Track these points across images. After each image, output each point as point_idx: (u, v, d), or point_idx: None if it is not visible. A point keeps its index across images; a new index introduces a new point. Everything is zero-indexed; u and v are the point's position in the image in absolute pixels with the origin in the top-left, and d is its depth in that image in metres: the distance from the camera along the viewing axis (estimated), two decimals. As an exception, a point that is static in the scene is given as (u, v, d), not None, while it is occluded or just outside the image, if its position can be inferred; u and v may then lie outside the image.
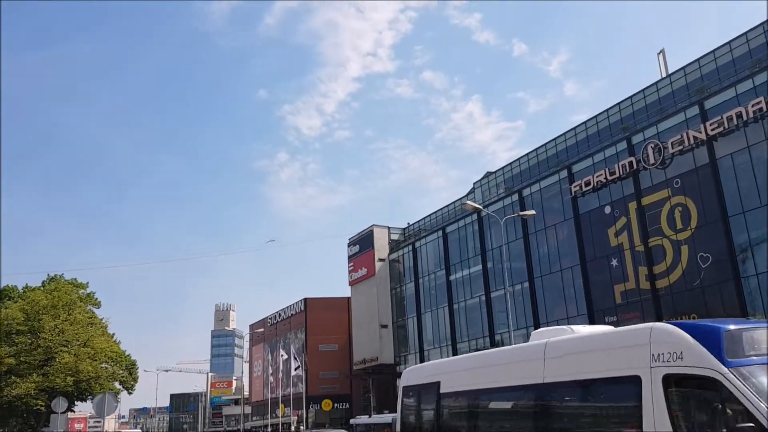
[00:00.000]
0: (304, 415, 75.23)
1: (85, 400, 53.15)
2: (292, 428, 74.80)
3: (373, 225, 74.98)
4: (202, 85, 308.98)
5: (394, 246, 73.71)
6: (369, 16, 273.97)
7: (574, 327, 10.53)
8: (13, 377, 44.74)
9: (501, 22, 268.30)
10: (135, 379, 54.70)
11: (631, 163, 43.19)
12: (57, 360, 46.51)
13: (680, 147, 39.98)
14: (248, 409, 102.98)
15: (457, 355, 60.24)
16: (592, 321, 43.48)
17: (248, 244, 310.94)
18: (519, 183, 55.98)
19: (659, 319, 29.38)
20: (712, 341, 7.76)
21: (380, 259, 73.36)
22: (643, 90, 46.79)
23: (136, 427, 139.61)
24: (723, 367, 7.50)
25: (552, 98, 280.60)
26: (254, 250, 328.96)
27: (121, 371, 52.80)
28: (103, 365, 50.16)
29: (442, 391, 12.32)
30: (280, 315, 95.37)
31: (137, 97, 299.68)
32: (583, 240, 47.09)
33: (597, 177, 45.67)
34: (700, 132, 38.78)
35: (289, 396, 70.08)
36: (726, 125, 37.37)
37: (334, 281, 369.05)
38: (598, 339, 9.34)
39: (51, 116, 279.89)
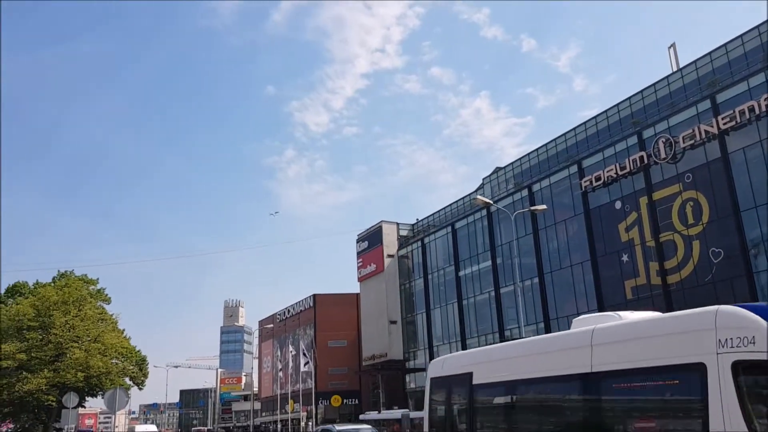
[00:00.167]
0: (314, 411, 75.30)
1: (96, 396, 53.34)
2: (302, 424, 74.91)
3: (381, 221, 74.91)
4: (209, 82, 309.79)
5: (402, 242, 73.62)
6: (377, 12, 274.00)
7: (621, 313, 9.68)
8: (24, 373, 44.87)
9: (509, 18, 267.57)
10: (145, 375, 54.82)
11: (642, 157, 42.92)
12: (68, 356, 46.66)
13: (692, 141, 39.69)
14: (257, 405, 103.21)
15: (465, 350, 60.18)
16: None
17: (257, 240, 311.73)
18: (528, 178, 55.75)
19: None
20: None
21: (389, 255, 73.30)
22: (653, 84, 46.46)
23: (145, 422, 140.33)
24: None
25: (561, 94, 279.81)
26: (263, 246, 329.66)
27: (131, 367, 52.92)
28: (113, 361, 50.25)
29: (475, 382, 11.49)
30: (289, 311, 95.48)
31: (145, 94, 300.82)
32: (594, 235, 46.86)
33: (607, 172, 45.41)
34: (712, 126, 38.48)
35: (299, 392, 70.14)
36: (738, 119, 37.05)
37: (342, 278, 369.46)
38: (655, 324, 8.57)
39: (59, 114, 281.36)
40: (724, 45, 41.87)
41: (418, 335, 68.63)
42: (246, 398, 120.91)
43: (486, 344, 57.95)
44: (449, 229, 64.39)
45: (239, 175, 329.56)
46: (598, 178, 46.27)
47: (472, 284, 60.41)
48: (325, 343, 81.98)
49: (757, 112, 36.11)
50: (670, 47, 49.00)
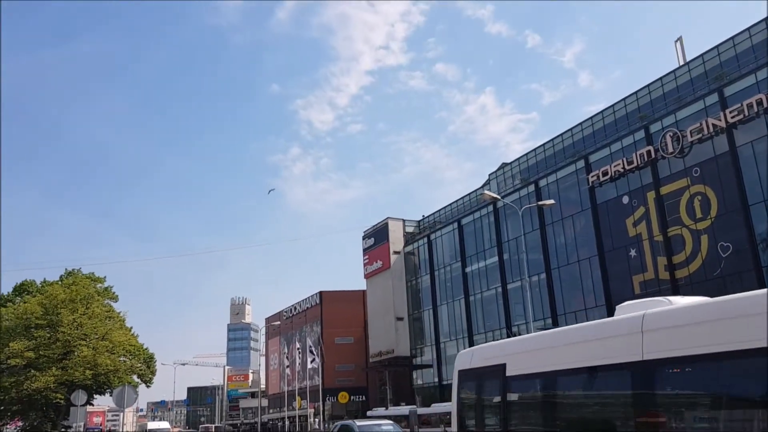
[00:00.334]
0: (321, 408, 75.37)
1: (104, 394, 53.44)
2: (309, 420, 74.97)
3: (387, 218, 74.86)
4: (214, 81, 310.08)
5: (409, 238, 73.56)
6: (381, 8, 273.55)
7: (671, 298, 9.05)
8: (32, 371, 44.99)
9: (514, 14, 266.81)
10: (153, 372, 54.92)
11: (649, 152, 42.72)
12: (76, 353, 46.78)
13: (699, 135, 39.48)
14: (265, 402, 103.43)
15: (472, 346, 60.10)
16: (610, 312, 43.02)
17: (262, 238, 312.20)
18: (535, 174, 55.60)
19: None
20: None
21: (395, 252, 73.26)
22: (660, 78, 46.24)
23: (153, 419, 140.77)
24: None
25: (566, 89, 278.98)
26: (268, 244, 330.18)
27: (139, 364, 53.00)
28: (121, 358, 50.35)
29: (508, 374, 10.65)
30: (295, 308, 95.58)
31: (149, 93, 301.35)
32: (601, 230, 46.71)
33: (615, 167, 45.23)
34: (720, 120, 38.27)
35: (306, 389, 70.21)
36: (746, 113, 36.83)
37: (348, 275, 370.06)
38: (721, 306, 7.75)
39: (63, 114, 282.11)
40: (732, 38, 41.62)
41: (424, 332, 68.60)
42: (253, 395, 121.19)
43: (494, 340, 58.04)
44: (455, 225, 64.29)
45: (244, 173, 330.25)
46: (605, 173, 46.09)
47: (478, 280, 60.32)
48: (332, 339, 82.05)
49: (765, 105, 35.87)
50: (676, 41, 48.73)
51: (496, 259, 57.69)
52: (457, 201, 68.65)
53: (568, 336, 9.80)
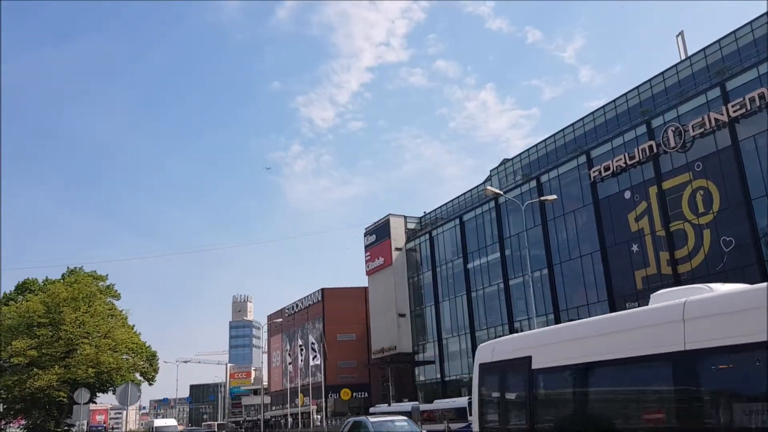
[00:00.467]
0: (323, 405, 75.42)
1: (107, 392, 53.47)
2: (312, 417, 75.03)
3: (389, 214, 74.81)
4: (215, 79, 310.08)
5: (410, 235, 73.51)
6: (381, 5, 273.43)
7: (712, 285, 8.55)
8: (35, 369, 44.98)
9: (514, 10, 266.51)
10: (155, 370, 54.87)
11: (651, 147, 42.64)
12: (78, 352, 46.78)
13: (701, 130, 39.40)
14: (267, 399, 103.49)
15: (474, 342, 60.07)
16: (612, 307, 43.17)
17: (264, 236, 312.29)
18: (536, 170, 55.53)
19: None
20: None
21: (397, 249, 73.23)
22: (662, 73, 46.14)
23: (156, 417, 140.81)
24: None
25: (566, 85, 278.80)
26: (270, 241, 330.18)
27: (141, 362, 52.97)
28: (123, 356, 50.35)
29: (534, 367, 10.07)
30: (297, 305, 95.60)
31: (150, 92, 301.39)
32: (603, 226, 46.65)
33: (616, 162, 45.16)
34: (722, 114, 38.18)
35: (308, 385, 70.26)
36: (748, 107, 36.75)
37: (350, 272, 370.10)
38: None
39: (66, 113, 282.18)
40: (733, 32, 41.52)
41: (426, 328, 68.60)
42: (256, 392, 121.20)
43: (496, 337, 57.95)
44: (457, 221, 64.23)
45: (245, 171, 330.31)
46: (606, 168, 46.02)
47: (480, 276, 60.30)
48: (334, 336, 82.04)
49: (767, 99, 35.81)
50: (678, 35, 48.64)
51: (497, 255, 57.64)
52: (458, 197, 68.58)
53: (600, 326, 9.24)
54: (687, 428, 7.46)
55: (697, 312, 7.56)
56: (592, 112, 52.02)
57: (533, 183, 53.63)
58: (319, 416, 76.22)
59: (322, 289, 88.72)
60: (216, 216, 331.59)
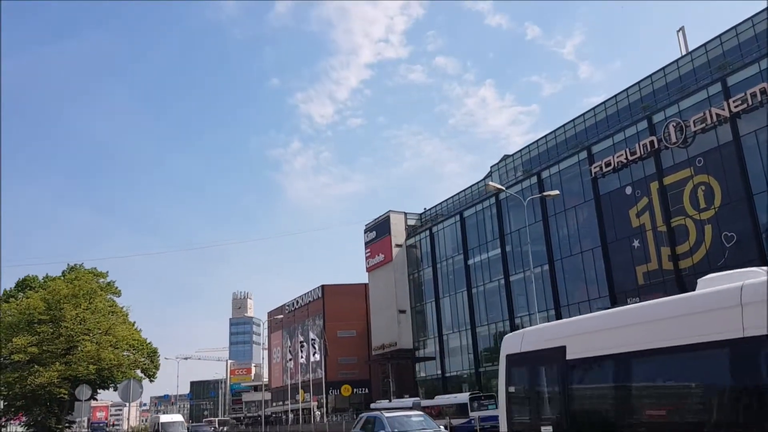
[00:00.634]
0: (324, 401, 75.47)
1: (108, 388, 53.49)
2: (315, 412, 75.11)
3: (389, 211, 74.77)
4: (214, 76, 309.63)
5: (411, 231, 73.48)
6: (380, 1, 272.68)
7: (765, 268, 8.01)
8: (35, 366, 44.95)
9: (513, 5, 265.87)
10: (156, 367, 54.84)
11: (652, 142, 42.59)
12: (79, 348, 46.74)
13: (702, 125, 39.34)
14: (268, 395, 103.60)
15: (474, 338, 60.12)
16: (614, 303, 43.13)
17: (264, 233, 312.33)
18: (537, 165, 55.46)
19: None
20: None
21: (397, 245, 73.19)
22: (663, 68, 46.05)
23: (157, 413, 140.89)
24: None
25: (566, 81, 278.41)
26: (270, 238, 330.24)
27: (142, 359, 52.94)
28: (124, 353, 50.33)
29: (569, 357, 9.37)
30: (297, 302, 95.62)
31: (149, 89, 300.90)
32: (604, 221, 46.62)
33: (617, 157, 45.11)
34: (723, 109, 38.12)
35: (309, 382, 70.30)
36: (750, 102, 36.69)
37: (350, 268, 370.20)
38: None
39: (65, 110, 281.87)
40: (734, 27, 41.43)
41: (427, 324, 68.61)
42: (256, 389, 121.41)
43: (496, 333, 57.99)
44: (458, 217, 64.19)
45: (245, 168, 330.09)
46: (608, 164, 45.97)
47: (481, 272, 60.27)
48: (335, 333, 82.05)
49: (769, 94, 35.72)
50: (678, 31, 48.55)
51: (498, 251, 57.62)
52: (458, 193, 68.54)
53: (646, 312, 8.55)
54: (746, 422, 6.93)
55: (757, 296, 7.01)
56: (593, 108, 51.94)
57: (534, 179, 53.58)
58: (319, 412, 76.25)
59: (323, 286, 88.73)
60: (216, 213, 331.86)
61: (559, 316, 49.32)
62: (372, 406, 56.17)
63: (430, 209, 74.05)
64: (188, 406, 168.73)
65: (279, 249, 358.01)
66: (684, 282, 39.78)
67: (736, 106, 37.41)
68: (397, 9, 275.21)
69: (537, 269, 51.27)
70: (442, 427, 22.78)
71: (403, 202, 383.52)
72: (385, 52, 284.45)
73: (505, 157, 62.31)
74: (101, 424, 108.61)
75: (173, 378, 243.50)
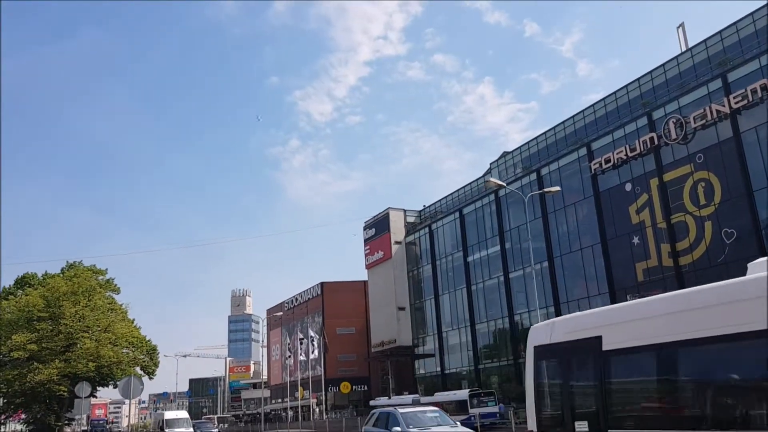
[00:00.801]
0: (323, 398, 75.49)
1: (107, 386, 53.42)
2: (314, 409, 75.14)
3: (389, 208, 74.72)
4: (214, 74, 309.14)
5: (410, 229, 73.43)
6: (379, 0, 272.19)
7: None
8: (35, 363, 44.86)
9: (512, 3, 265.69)
10: (156, 364, 54.72)
11: (652, 138, 42.55)
12: (78, 346, 46.65)
13: (703, 121, 39.30)
14: (267, 393, 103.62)
15: (474, 335, 60.12)
16: (613, 300, 43.13)
17: (263, 230, 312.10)
18: (536, 162, 55.41)
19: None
20: None
21: (396, 242, 73.16)
22: (663, 65, 46.01)
23: (155, 411, 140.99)
24: None
25: (564, 79, 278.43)
26: (269, 235, 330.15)
27: (142, 356, 52.87)
28: (124, 350, 50.26)
29: (606, 348, 8.76)
30: (297, 299, 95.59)
31: (148, 87, 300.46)
32: (604, 218, 46.59)
33: (617, 154, 45.06)
34: (723, 106, 38.09)
35: (308, 379, 70.27)
36: (750, 98, 36.65)
37: (349, 266, 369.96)
38: None
39: (65, 109, 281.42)
40: (735, 24, 41.40)
41: (426, 321, 68.59)
42: (255, 386, 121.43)
43: (495, 330, 58.03)
44: (457, 214, 64.12)
45: (244, 165, 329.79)
46: (607, 161, 45.92)
47: (480, 269, 60.23)
48: (334, 330, 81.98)
49: (770, 90, 35.67)
50: (678, 27, 48.55)
51: (498, 248, 57.58)
52: (458, 190, 68.47)
53: (692, 299, 7.87)
54: None
55: None
56: (593, 105, 51.91)
57: (533, 176, 53.52)
58: (318, 409, 76.28)
59: (322, 283, 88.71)
60: (215, 210, 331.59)
61: (558, 313, 49.27)
62: (371, 403, 56.15)
63: (429, 206, 74.00)
64: (187, 403, 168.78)
65: (278, 246, 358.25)
66: (684, 279, 39.80)
67: (736, 103, 37.36)
68: (396, 6, 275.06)
69: (536, 266, 51.24)
70: (458, 423, 21.51)
71: (402, 199, 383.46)
72: (383, 49, 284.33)
73: (505, 154, 62.26)
74: (101, 422, 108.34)
75: (172, 376, 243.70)
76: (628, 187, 44.65)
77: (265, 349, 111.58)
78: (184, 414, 42.02)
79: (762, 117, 36.40)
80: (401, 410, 20.33)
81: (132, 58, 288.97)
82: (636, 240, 43.86)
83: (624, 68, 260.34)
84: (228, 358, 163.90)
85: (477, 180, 65.27)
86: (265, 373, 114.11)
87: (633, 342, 8.38)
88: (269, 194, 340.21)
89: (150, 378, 55.71)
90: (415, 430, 18.45)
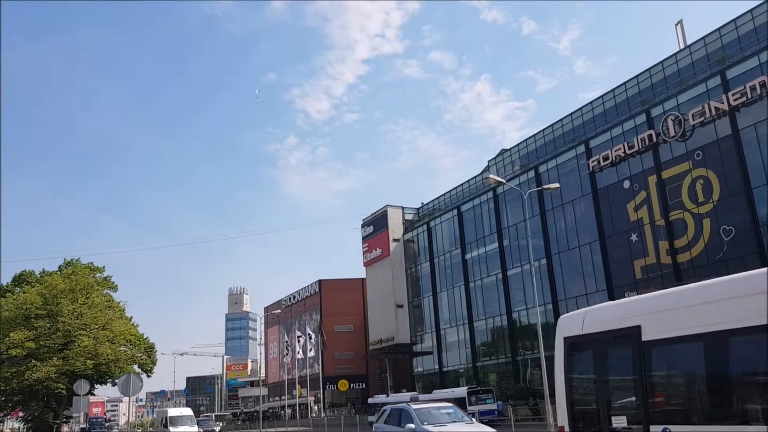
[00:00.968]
0: (321, 396, 75.46)
1: (105, 383, 53.39)
2: (313, 407, 75.10)
3: (387, 205, 74.65)
4: (210, 70, 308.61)
5: (408, 226, 73.39)
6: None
7: None
8: (33, 361, 44.85)
9: (509, 1, 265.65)
10: (153, 362, 54.77)
11: (650, 136, 42.55)
12: (76, 343, 46.63)
13: (701, 119, 39.31)
14: (264, 391, 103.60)
15: (472, 333, 60.10)
16: (611, 297, 43.11)
17: (260, 228, 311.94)
18: (534, 160, 55.40)
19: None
20: None
21: (395, 240, 73.11)
22: (661, 62, 46.01)
23: (153, 409, 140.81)
24: None
25: (562, 76, 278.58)
26: (266, 233, 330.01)
27: (139, 354, 52.89)
28: (121, 348, 50.27)
29: (647, 338, 8.19)
30: (294, 297, 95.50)
31: (145, 84, 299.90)
32: (602, 215, 46.58)
33: (615, 151, 45.05)
34: (722, 103, 38.09)
35: (306, 377, 70.25)
36: (749, 95, 36.66)
37: (347, 263, 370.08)
38: None
39: (62, 106, 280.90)
40: (734, 20, 41.37)
41: (424, 319, 68.55)
42: (253, 384, 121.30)
43: (494, 327, 58.01)
44: (455, 212, 64.08)
45: (242, 163, 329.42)
46: (605, 158, 45.92)
47: (479, 267, 60.21)
48: (332, 327, 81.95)
49: (768, 87, 35.68)
50: (677, 24, 48.47)
51: (496, 245, 57.54)
52: (456, 188, 68.44)
53: (747, 284, 7.28)
54: None
55: None
56: (591, 102, 51.89)
57: (531, 173, 53.49)
58: (316, 407, 76.25)
59: (320, 281, 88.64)
60: (212, 208, 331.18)
61: (556, 311, 49.33)
62: (369, 401, 56.20)
63: (427, 204, 73.98)
64: (184, 401, 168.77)
65: (276, 244, 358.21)
66: (682, 276, 39.81)
67: (735, 100, 37.37)
68: (393, 4, 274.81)
69: (535, 263, 51.22)
70: (474, 419, 20.47)
71: (399, 196, 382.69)
72: (381, 47, 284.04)
73: (503, 152, 62.24)
74: (99, 419, 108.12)
75: (169, 374, 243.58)
76: (627, 184, 44.64)
77: (263, 347, 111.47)
78: (188, 411, 41.56)
79: (761, 114, 36.41)
80: (415, 406, 19.50)
81: (128, 54, 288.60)
82: (634, 237, 43.87)
83: (621, 66, 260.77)
84: (225, 356, 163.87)
85: (475, 177, 65.25)
86: (262, 371, 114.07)
87: (678, 331, 7.85)
88: (267, 192, 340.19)
89: (148, 376, 55.75)
90: (430, 427, 17.60)
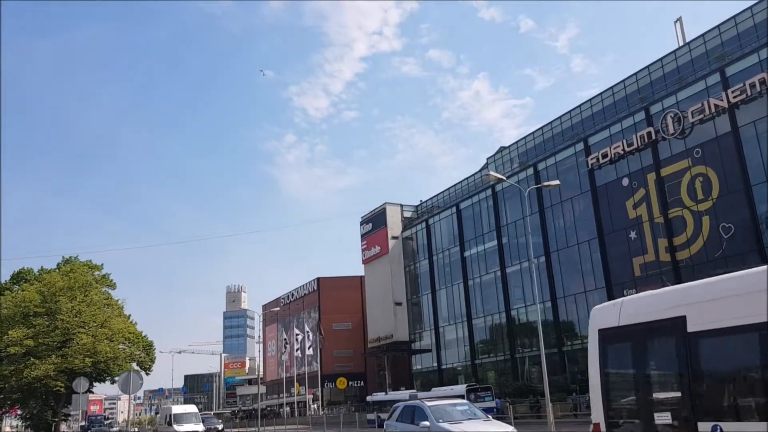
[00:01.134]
0: (319, 394, 75.44)
1: (104, 381, 53.31)
2: (312, 405, 75.08)
3: (385, 203, 74.62)
4: (208, 68, 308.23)
5: (407, 223, 73.36)
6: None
7: None
8: (31, 359, 44.73)
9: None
10: (152, 360, 54.68)
11: (649, 133, 42.53)
12: (75, 341, 46.50)
13: (700, 116, 39.29)
14: (263, 389, 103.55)
15: (471, 330, 60.07)
16: (610, 295, 43.10)
17: (258, 225, 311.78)
18: (533, 157, 55.37)
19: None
20: None
21: (393, 237, 73.08)
22: (660, 59, 45.98)
23: (150, 408, 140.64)
24: None
25: (559, 75, 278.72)
26: (264, 231, 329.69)
27: (138, 352, 52.79)
28: (120, 346, 50.16)
29: (692, 329, 7.66)
30: (293, 295, 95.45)
31: (143, 82, 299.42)
32: (601, 213, 46.58)
33: (614, 149, 45.04)
34: (722, 100, 38.07)
35: (304, 375, 70.24)
36: (748, 92, 36.64)
37: (346, 261, 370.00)
38: None
39: (60, 104, 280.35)
40: (733, 17, 41.35)
41: (423, 316, 68.54)
42: (251, 382, 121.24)
43: (493, 324, 58.00)
44: (454, 209, 64.05)
45: (239, 161, 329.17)
46: (604, 155, 45.90)
47: (477, 264, 60.18)
48: (330, 325, 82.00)
49: (768, 84, 35.67)
50: (676, 21, 48.45)
51: (494, 243, 57.51)
52: (455, 185, 68.41)
53: None
54: None
55: None
56: (590, 99, 51.88)
57: (530, 170, 53.47)
58: (315, 405, 76.22)
59: (318, 278, 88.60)
60: (209, 206, 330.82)
61: (555, 308, 49.37)
62: (368, 399, 56.18)
63: (425, 201, 73.93)
64: (182, 399, 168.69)
65: (274, 242, 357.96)
66: (681, 274, 39.84)
67: (734, 97, 37.35)
68: (391, 2, 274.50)
69: (534, 261, 51.21)
70: (490, 416, 19.60)
71: (398, 194, 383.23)
72: (379, 45, 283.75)
73: (502, 149, 62.21)
74: (98, 417, 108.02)
75: (167, 372, 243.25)
76: (626, 182, 44.63)
77: (261, 345, 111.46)
78: (192, 408, 40.99)
79: (760, 111, 36.39)
80: (429, 404, 18.76)
81: (126, 52, 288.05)
82: (633, 235, 43.87)
83: (619, 64, 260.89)
84: (223, 354, 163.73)
85: (474, 175, 65.22)
86: (260, 369, 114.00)
87: (727, 322, 7.34)
88: (265, 189, 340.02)
89: (146, 374, 55.65)
90: (445, 424, 16.95)
